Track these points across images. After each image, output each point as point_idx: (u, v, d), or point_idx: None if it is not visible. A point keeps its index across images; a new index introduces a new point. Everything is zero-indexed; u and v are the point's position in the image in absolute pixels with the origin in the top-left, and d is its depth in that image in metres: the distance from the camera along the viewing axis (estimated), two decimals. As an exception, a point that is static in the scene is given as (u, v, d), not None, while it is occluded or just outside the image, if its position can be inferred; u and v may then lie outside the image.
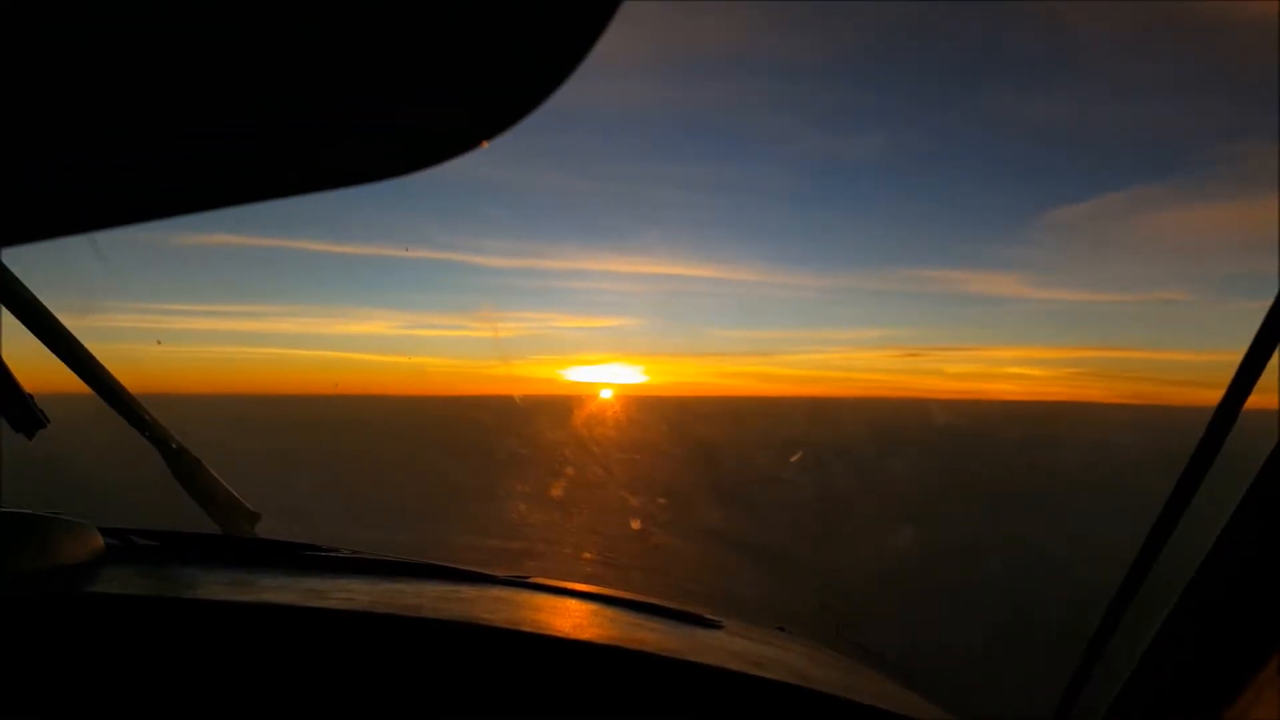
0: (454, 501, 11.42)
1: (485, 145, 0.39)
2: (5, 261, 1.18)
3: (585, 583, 1.31)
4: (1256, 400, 0.68)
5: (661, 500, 12.26)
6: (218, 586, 1.05)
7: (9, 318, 1.18)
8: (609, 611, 1.16)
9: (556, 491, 12.65)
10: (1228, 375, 0.66)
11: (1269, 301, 0.63)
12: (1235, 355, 0.67)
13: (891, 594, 7.17)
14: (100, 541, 1.13)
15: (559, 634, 0.97)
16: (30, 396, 1.18)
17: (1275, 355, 0.65)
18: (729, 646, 1.05)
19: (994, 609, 6.65)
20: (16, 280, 1.17)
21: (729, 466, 18.63)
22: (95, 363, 1.31)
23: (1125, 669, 0.76)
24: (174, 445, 1.46)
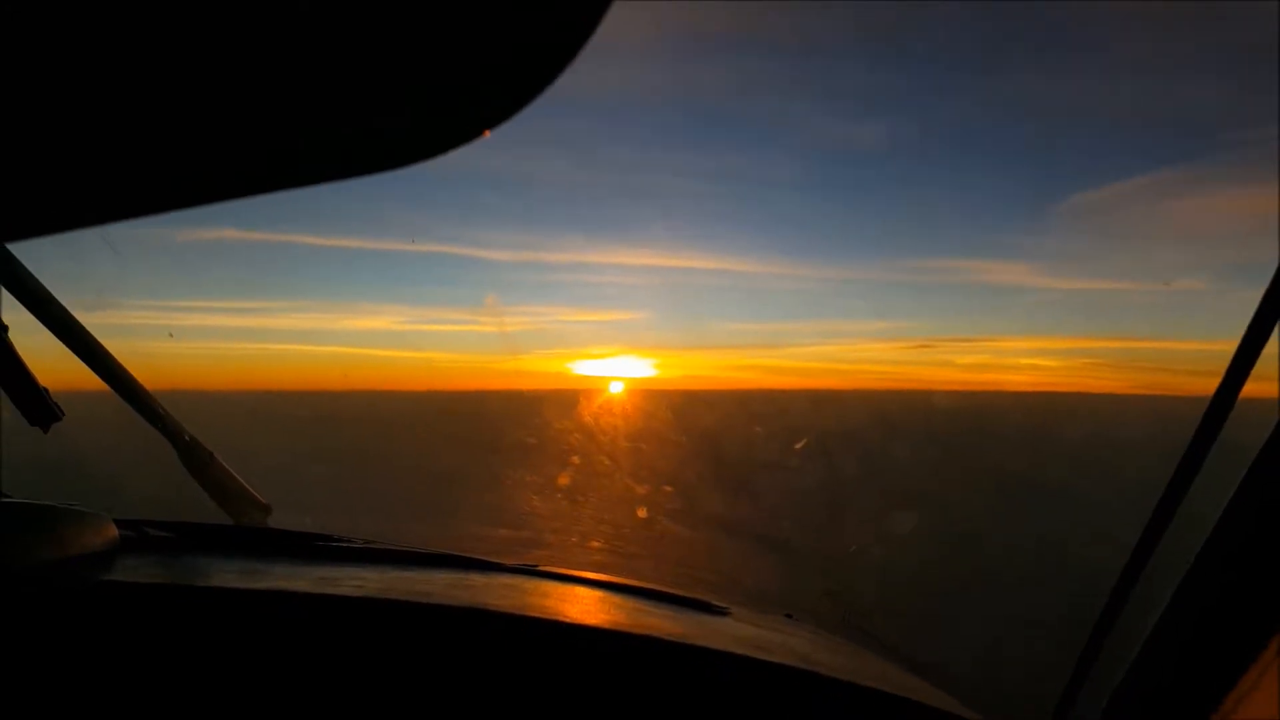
0: (463, 494, 11.50)
1: (487, 135, 0.40)
2: (19, 258, 1.19)
3: (592, 571, 1.32)
4: (1253, 389, 0.68)
5: (668, 489, 12.32)
6: (230, 575, 1.07)
7: (24, 313, 1.19)
8: (616, 598, 1.17)
9: (564, 481, 12.74)
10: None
11: None
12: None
13: (898, 582, 7.18)
14: (115, 532, 1.15)
15: (566, 619, 0.99)
16: (45, 390, 1.20)
17: (1274, 343, 0.64)
18: (735, 632, 1.06)
19: (1000, 598, 6.65)
20: (30, 275, 1.19)
21: (736, 456, 18.66)
22: (108, 356, 1.33)
23: (1127, 658, 0.76)
24: (186, 438, 1.48)
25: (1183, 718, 0.65)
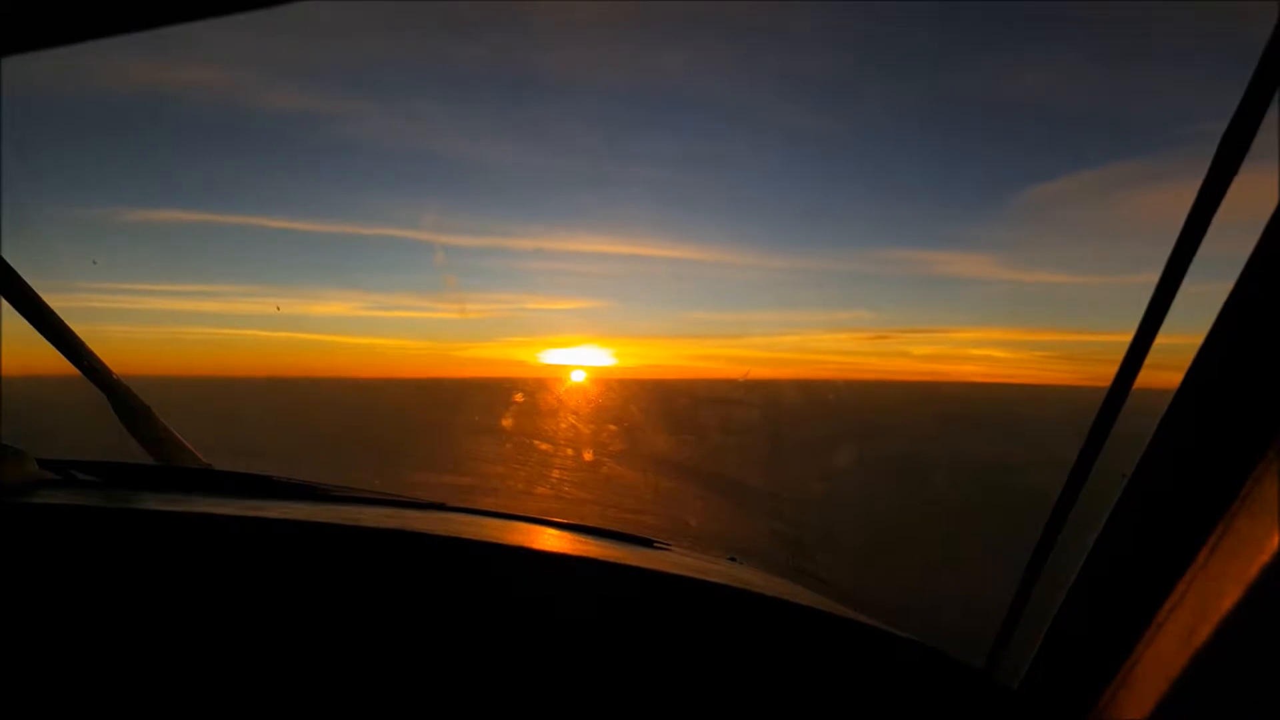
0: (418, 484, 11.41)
1: None
2: None
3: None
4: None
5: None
6: (154, 502, 1.03)
7: None
8: (554, 531, 1.16)
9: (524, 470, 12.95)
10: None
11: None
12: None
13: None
14: (34, 466, 1.09)
15: (499, 542, 0.97)
16: None
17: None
18: (675, 561, 1.05)
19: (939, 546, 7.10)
20: None
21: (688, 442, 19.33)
22: (39, 300, 1.27)
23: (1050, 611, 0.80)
24: (120, 389, 1.42)
25: (1102, 664, 0.69)
